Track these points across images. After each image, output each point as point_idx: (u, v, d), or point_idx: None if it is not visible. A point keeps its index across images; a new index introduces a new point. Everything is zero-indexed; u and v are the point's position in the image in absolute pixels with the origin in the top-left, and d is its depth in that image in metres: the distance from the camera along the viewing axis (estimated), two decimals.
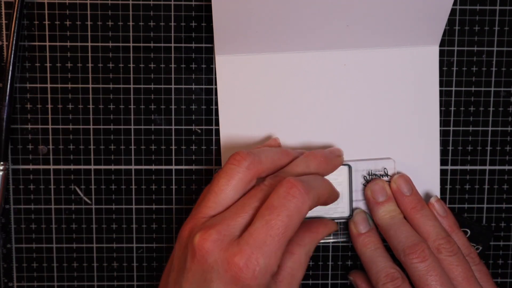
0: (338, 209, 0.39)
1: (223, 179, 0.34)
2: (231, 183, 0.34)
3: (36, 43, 0.40)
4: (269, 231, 0.31)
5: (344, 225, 0.41)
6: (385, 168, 0.41)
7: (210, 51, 0.40)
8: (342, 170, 0.39)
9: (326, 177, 0.37)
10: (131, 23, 0.40)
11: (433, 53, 0.41)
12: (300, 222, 0.32)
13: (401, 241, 0.37)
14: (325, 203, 0.35)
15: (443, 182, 0.42)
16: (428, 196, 0.41)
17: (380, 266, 0.38)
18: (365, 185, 0.40)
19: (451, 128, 0.42)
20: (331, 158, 0.37)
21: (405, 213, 0.39)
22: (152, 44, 0.40)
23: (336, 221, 0.39)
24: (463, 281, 0.37)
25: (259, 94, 0.40)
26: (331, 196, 0.36)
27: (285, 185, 0.32)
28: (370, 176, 0.41)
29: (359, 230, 0.40)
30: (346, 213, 0.39)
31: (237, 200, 0.34)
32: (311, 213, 0.39)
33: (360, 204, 0.41)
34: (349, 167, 0.39)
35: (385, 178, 0.40)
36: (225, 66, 0.40)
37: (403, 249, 0.37)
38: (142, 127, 0.41)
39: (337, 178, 0.39)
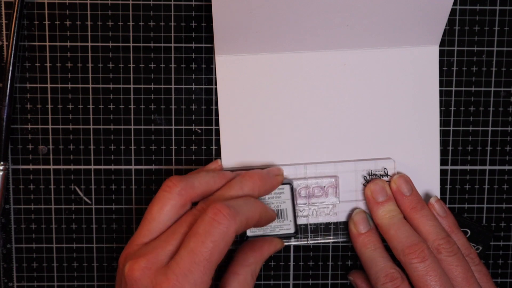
0: (284, 226, 0.40)
1: (155, 206, 0.34)
2: (163, 210, 0.34)
3: (36, 43, 0.40)
4: (193, 258, 0.31)
5: (344, 225, 0.41)
6: (385, 168, 0.41)
7: (210, 51, 0.40)
8: (285, 189, 0.39)
9: (269, 196, 0.38)
10: (131, 23, 0.40)
11: (433, 53, 0.41)
12: (227, 246, 0.32)
13: (401, 241, 0.37)
14: (258, 224, 0.35)
15: (443, 182, 0.42)
16: (428, 196, 0.41)
17: (379, 266, 0.38)
18: (365, 185, 0.40)
19: (451, 128, 0.42)
20: (268, 178, 0.37)
21: (405, 213, 0.39)
22: (152, 44, 0.40)
23: (282, 238, 0.40)
24: (463, 282, 0.37)
25: (259, 94, 0.40)
26: (264, 217, 0.36)
27: (211, 211, 0.32)
28: (370, 176, 0.41)
29: (359, 230, 0.40)
30: (291, 230, 0.40)
31: (170, 226, 0.34)
32: (257, 232, 0.39)
33: (360, 204, 0.41)
34: (291, 185, 0.39)
35: (385, 178, 0.40)
36: (225, 66, 0.40)
37: (403, 249, 0.37)
38: (142, 127, 0.41)
39: (280, 196, 0.39)
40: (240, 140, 0.41)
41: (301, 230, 0.41)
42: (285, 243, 0.41)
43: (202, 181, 0.35)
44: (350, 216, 0.41)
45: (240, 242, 0.40)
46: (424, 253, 0.36)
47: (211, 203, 0.34)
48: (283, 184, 0.39)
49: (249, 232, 0.40)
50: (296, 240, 0.41)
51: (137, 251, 0.33)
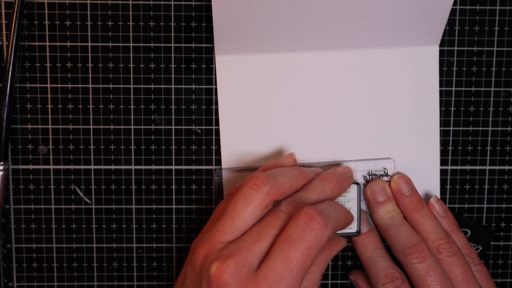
0: (349, 226, 0.39)
1: (241, 203, 0.33)
2: (249, 209, 0.33)
3: (36, 43, 0.40)
4: (287, 264, 0.30)
5: None
6: (385, 168, 0.41)
7: (210, 51, 0.40)
8: (352, 188, 0.39)
9: None
10: (131, 23, 0.40)
11: (433, 53, 0.41)
12: (318, 252, 0.32)
13: (401, 241, 0.37)
14: (343, 228, 0.35)
15: (443, 182, 0.42)
16: (428, 196, 0.41)
17: (380, 266, 0.38)
18: (365, 185, 0.40)
19: (451, 128, 0.42)
20: (344, 181, 0.37)
21: (405, 213, 0.39)
22: (152, 44, 0.40)
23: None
24: (463, 282, 0.37)
25: (259, 94, 0.40)
26: (347, 221, 0.36)
27: (304, 216, 0.32)
28: (370, 176, 0.41)
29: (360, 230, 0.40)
30: (354, 229, 0.39)
31: (253, 225, 0.33)
32: None
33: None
34: (359, 185, 0.39)
35: (385, 178, 0.40)
36: (225, 66, 0.40)
37: (403, 249, 0.37)
38: (142, 127, 0.41)
39: (346, 195, 0.39)
40: (240, 140, 0.41)
41: None
42: None
43: (288, 181, 0.34)
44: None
45: None
46: (424, 253, 0.36)
47: (298, 207, 0.33)
48: (355, 184, 0.39)
49: None
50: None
51: (223, 249, 0.32)
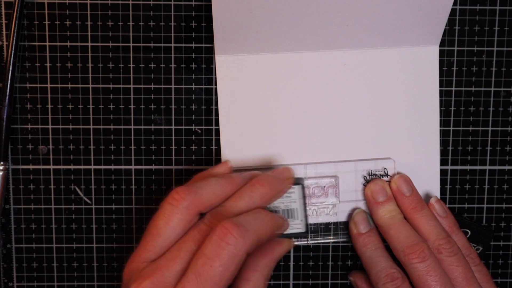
0: (294, 226, 0.39)
1: (161, 220, 0.33)
2: (169, 225, 0.32)
3: (36, 43, 0.40)
4: (202, 283, 0.30)
5: (344, 225, 0.41)
6: (385, 168, 0.41)
7: (210, 51, 0.40)
8: (295, 189, 0.38)
9: None
10: (131, 23, 0.40)
11: (433, 53, 0.41)
12: (238, 267, 0.31)
13: (401, 241, 0.37)
14: (270, 238, 0.34)
15: (443, 182, 0.42)
16: (428, 196, 0.41)
17: (380, 266, 0.38)
18: (365, 185, 0.40)
19: (451, 128, 0.42)
20: (278, 184, 0.36)
21: (405, 213, 0.39)
22: (152, 44, 0.40)
23: (293, 237, 0.39)
24: (463, 282, 0.37)
25: (259, 94, 0.40)
26: (276, 230, 0.34)
27: (219, 231, 0.30)
28: (370, 176, 0.40)
29: (359, 230, 0.40)
30: (301, 229, 0.39)
31: (177, 241, 0.33)
32: None
33: (360, 204, 0.41)
34: (302, 185, 0.38)
35: (385, 178, 0.40)
36: (225, 66, 0.40)
37: (403, 249, 0.37)
38: (142, 127, 0.41)
39: (291, 196, 0.39)
40: (240, 140, 0.41)
41: None
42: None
43: (210, 192, 0.33)
44: (350, 216, 0.41)
45: None
46: (425, 253, 0.36)
47: (219, 217, 0.32)
48: (296, 184, 0.38)
49: None
50: (296, 240, 0.41)
51: (143, 270, 0.32)
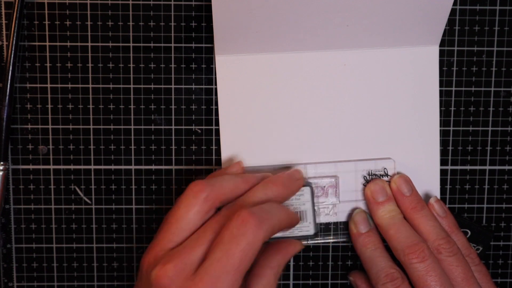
0: (303, 228, 0.39)
1: (180, 210, 0.34)
2: (188, 216, 0.34)
3: (36, 43, 0.40)
4: (222, 267, 0.31)
5: (344, 225, 0.41)
6: (385, 168, 0.41)
7: (210, 51, 0.40)
8: (305, 190, 0.39)
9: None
10: (131, 23, 0.40)
11: (433, 53, 0.41)
12: (255, 254, 0.32)
13: (401, 241, 0.37)
14: (283, 229, 0.35)
15: (443, 182, 0.42)
16: (428, 196, 0.41)
17: (380, 266, 0.38)
18: (365, 185, 0.40)
19: (451, 128, 0.42)
20: (290, 183, 0.37)
21: (405, 213, 0.39)
22: (152, 44, 0.40)
23: (302, 240, 0.40)
24: (463, 282, 0.37)
25: (259, 94, 0.40)
26: (290, 222, 0.35)
27: (237, 218, 0.32)
28: (370, 176, 0.41)
29: (359, 230, 0.40)
30: (310, 231, 0.39)
31: (194, 231, 0.34)
32: (277, 233, 0.39)
33: (360, 204, 0.41)
34: (311, 187, 0.39)
35: (385, 178, 0.40)
36: (225, 66, 0.40)
37: (403, 249, 0.37)
38: (142, 127, 0.41)
39: (300, 198, 0.39)
40: (240, 140, 0.41)
41: None
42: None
43: (228, 187, 0.35)
44: (350, 216, 0.41)
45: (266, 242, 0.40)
46: (424, 253, 0.36)
47: (236, 209, 0.33)
48: (305, 186, 0.39)
49: None
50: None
51: (163, 256, 0.33)
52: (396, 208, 0.39)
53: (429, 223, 0.38)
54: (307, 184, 0.39)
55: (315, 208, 0.40)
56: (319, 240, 0.42)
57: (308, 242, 0.42)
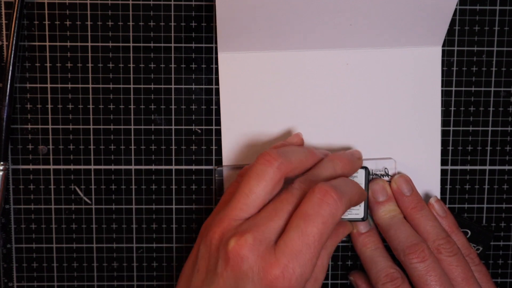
0: (353, 211, 0.39)
1: (253, 180, 0.33)
2: (261, 184, 0.33)
3: (36, 43, 0.40)
4: (304, 240, 0.31)
5: None
6: (385, 168, 0.41)
7: (210, 51, 0.40)
8: (359, 172, 0.39)
9: None
10: (131, 23, 0.40)
11: (435, 53, 0.41)
12: (333, 228, 0.32)
13: (401, 241, 0.37)
14: (357, 204, 0.35)
15: (443, 182, 0.42)
16: (428, 196, 0.41)
17: (380, 266, 0.38)
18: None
19: (451, 128, 0.42)
20: (353, 160, 0.37)
21: (405, 213, 0.39)
22: (152, 44, 0.40)
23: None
24: (463, 282, 0.37)
25: (261, 92, 0.40)
26: (361, 198, 0.36)
27: (319, 191, 0.32)
28: (371, 176, 0.40)
29: (359, 230, 0.40)
30: (361, 215, 0.39)
31: (268, 202, 0.33)
32: None
33: None
34: (366, 169, 0.39)
35: (386, 178, 0.40)
36: (228, 63, 0.40)
37: (403, 249, 0.37)
38: (142, 127, 0.41)
39: (354, 179, 0.39)
40: (241, 138, 0.41)
41: None
42: None
43: (298, 158, 0.35)
44: None
45: None
46: (424, 253, 0.36)
47: (311, 183, 0.33)
48: (362, 168, 0.39)
49: None
50: None
51: (239, 226, 0.32)
52: (397, 208, 0.39)
53: (429, 223, 0.38)
54: (364, 166, 0.39)
55: (368, 191, 0.39)
56: None
57: None
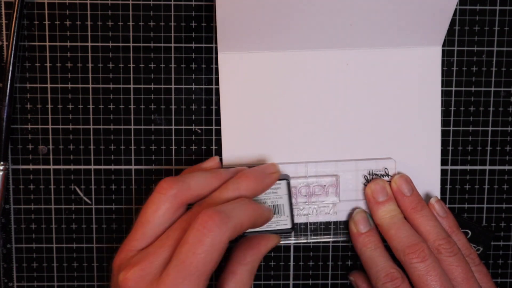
0: (281, 222, 0.39)
1: (149, 209, 0.33)
2: (157, 213, 0.33)
3: (36, 43, 0.40)
4: (184, 270, 0.30)
5: (345, 225, 0.41)
6: (385, 168, 0.41)
7: (210, 51, 0.40)
8: (281, 184, 0.39)
9: (267, 192, 0.38)
10: (131, 23, 0.40)
11: (435, 53, 0.41)
12: (220, 254, 0.31)
13: (401, 241, 0.37)
14: (254, 226, 0.34)
15: (443, 182, 0.42)
16: (428, 196, 0.41)
17: (380, 266, 0.38)
18: (365, 185, 0.40)
19: (451, 128, 0.42)
20: (263, 177, 0.36)
21: (405, 213, 0.39)
22: (152, 44, 0.40)
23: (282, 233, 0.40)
24: (463, 282, 0.37)
25: (261, 92, 0.40)
26: (260, 218, 0.35)
27: (201, 218, 0.31)
28: (371, 176, 0.41)
29: (359, 230, 0.40)
30: (288, 225, 0.39)
31: (164, 230, 0.33)
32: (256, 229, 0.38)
33: (360, 203, 0.41)
34: (287, 180, 0.39)
35: (386, 178, 0.40)
36: (228, 63, 0.40)
37: (403, 249, 0.37)
38: (142, 127, 0.41)
39: (277, 192, 0.39)
40: (241, 137, 0.41)
41: (300, 229, 0.41)
42: (285, 242, 0.41)
43: (197, 183, 0.34)
44: (350, 215, 0.41)
45: (236, 239, 0.40)
46: (425, 253, 0.36)
47: (204, 207, 0.33)
48: (280, 179, 0.39)
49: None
50: (295, 238, 0.41)
51: (131, 258, 0.33)
52: (397, 208, 0.39)
53: (429, 223, 0.38)
54: (285, 177, 0.39)
55: (293, 202, 0.40)
56: (319, 239, 0.42)
57: (291, 240, 0.41)
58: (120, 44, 0.40)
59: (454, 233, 0.39)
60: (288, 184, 0.39)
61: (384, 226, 0.39)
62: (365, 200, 0.41)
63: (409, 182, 0.40)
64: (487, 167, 0.42)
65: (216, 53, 0.40)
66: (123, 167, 0.41)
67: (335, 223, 0.41)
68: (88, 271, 0.42)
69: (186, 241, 0.31)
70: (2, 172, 0.40)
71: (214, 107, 0.41)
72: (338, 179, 0.41)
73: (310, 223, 0.41)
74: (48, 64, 0.40)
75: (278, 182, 0.39)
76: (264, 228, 0.39)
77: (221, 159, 0.41)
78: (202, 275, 0.30)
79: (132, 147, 0.41)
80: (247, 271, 0.35)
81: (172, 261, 0.31)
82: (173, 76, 0.41)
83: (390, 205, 0.39)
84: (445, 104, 0.41)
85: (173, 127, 0.41)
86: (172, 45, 0.40)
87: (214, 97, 0.41)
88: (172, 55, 0.40)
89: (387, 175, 0.41)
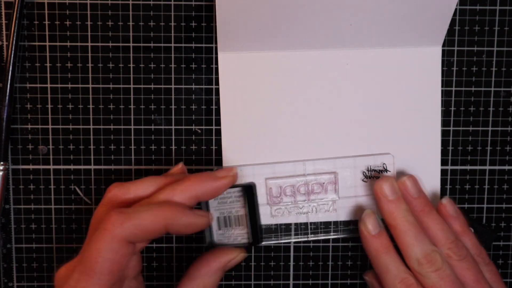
0: (245, 235, 0.39)
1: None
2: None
3: (36, 43, 0.40)
4: (81, 267, 0.31)
5: (344, 224, 0.41)
6: (384, 164, 0.41)
7: (210, 51, 0.40)
8: (242, 193, 0.37)
9: (230, 200, 0.37)
10: (131, 23, 0.40)
11: (435, 53, 0.41)
12: (120, 255, 0.31)
13: (414, 249, 0.36)
14: (169, 230, 0.33)
15: (443, 182, 0.42)
16: (428, 197, 0.41)
17: (393, 272, 0.37)
18: (365, 181, 0.40)
19: (451, 128, 0.42)
20: (208, 180, 0.35)
21: None
22: (152, 44, 0.40)
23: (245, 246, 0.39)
24: (474, 284, 0.36)
25: (261, 92, 0.40)
26: (176, 223, 0.33)
27: (104, 218, 0.32)
28: (370, 172, 0.40)
29: (370, 231, 0.38)
30: (245, 239, 0.38)
31: None
32: (222, 240, 0.38)
33: (359, 200, 0.41)
34: (250, 187, 0.37)
35: (385, 174, 0.40)
36: (228, 63, 0.40)
37: (418, 258, 0.36)
38: (142, 127, 0.41)
39: (239, 200, 0.38)
40: (241, 137, 0.41)
41: (301, 228, 0.41)
42: (286, 242, 0.41)
43: (137, 186, 0.35)
44: (353, 213, 0.41)
45: (206, 249, 0.39)
46: (439, 262, 0.36)
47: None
48: (239, 186, 0.37)
49: (216, 239, 0.39)
50: (296, 237, 0.41)
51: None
52: (409, 208, 0.38)
53: (437, 227, 0.37)
54: (248, 184, 0.37)
55: (258, 213, 0.38)
56: (319, 237, 0.42)
57: (291, 238, 0.41)
58: (120, 44, 0.40)
59: (465, 233, 0.38)
60: (252, 194, 0.37)
61: (398, 228, 0.37)
62: (364, 196, 0.40)
63: (416, 184, 0.39)
64: (487, 167, 0.42)
65: (216, 53, 0.40)
66: (123, 167, 0.41)
67: (335, 223, 0.41)
68: None
69: (90, 239, 0.32)
70: (2, 172, 0.40)
71: (214, 107, 0.41)
72: (337, 176, 0.41)
73: (311, 223, 0.41)
74: (48, 64, 0.40)
75: (238, 189, 0.37)
76: (230, 241, 0.38)
77: (221, 159, 0.41)
78: (97, 275, 0.31)
79: (132, 147, 0.41)
80: (205, 280, 0.35)
81: (75, 258, 0.33)
82: (173, 76, 0.41)
83: (402, 205, 0.38)
84: (445, 104, 0.41)
85: (173, 127, 0.41)
86: (172, 45, 0.40)
87: (214, 97, 0.41)
88: (172, 55, 0.40)
89: (386, 170, 0.40)
